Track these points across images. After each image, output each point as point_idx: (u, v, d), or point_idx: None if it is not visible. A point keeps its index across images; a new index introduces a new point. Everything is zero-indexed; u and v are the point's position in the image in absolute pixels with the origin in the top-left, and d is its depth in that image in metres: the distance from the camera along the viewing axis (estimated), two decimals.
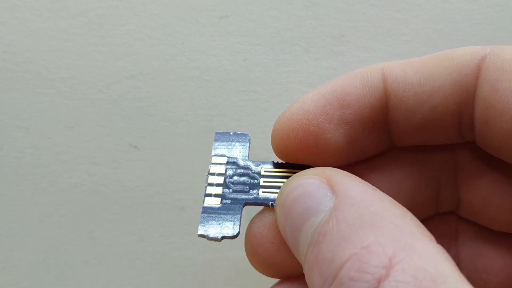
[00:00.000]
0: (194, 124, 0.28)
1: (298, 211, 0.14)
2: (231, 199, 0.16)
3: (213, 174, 0.16)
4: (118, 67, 0.28)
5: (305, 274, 0.13)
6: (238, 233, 0.15)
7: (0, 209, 0.28)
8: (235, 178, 0.16)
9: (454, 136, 0.16)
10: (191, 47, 0.28)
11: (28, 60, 0.28)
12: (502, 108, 0.14)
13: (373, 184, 0.14)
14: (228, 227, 0.15)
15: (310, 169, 0.15)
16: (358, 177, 0.14)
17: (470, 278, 0.11)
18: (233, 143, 0.17)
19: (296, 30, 0.28)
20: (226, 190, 0.16)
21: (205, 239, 0.15)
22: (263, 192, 0.16)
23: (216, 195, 0.16)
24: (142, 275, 0.29)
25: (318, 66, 0.28)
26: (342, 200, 0.13)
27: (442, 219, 0.19)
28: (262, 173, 0.16)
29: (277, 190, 0.16)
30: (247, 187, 0.16)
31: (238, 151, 0.17)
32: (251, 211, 0.16)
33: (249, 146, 0.17)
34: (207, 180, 0.16)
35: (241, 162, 0.17)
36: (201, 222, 0.15)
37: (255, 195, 0.16)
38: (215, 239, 0.15)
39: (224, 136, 0.17)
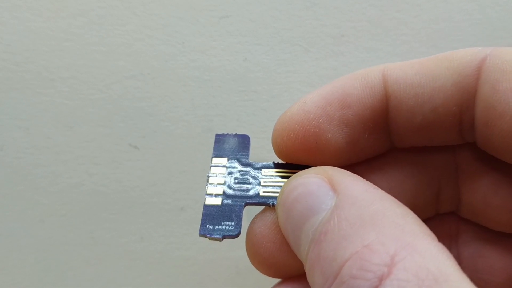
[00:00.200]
0: (194, 124, 0.28)
1: (299, 210, 0.14)
2: (232, 199, 0.16)
3: (214, 174, 0.16)
4: (118, 67, 0.28)
5: (307, 273, 0.13)
6: (239, 232, 0.15)
7: (0, 209, 0.28)
8: (236, 178, 0.16)
9: (455, 137, 0.16)
10: (191, 47, 0.28)
11: (28, 60, 0.28)
12: (503, 109, 0.14)
13: None
14: (230, 227, 0.15)
15: (311, 168, 0.15)
16: (359, 176, 0.14)
17: (470, 279, 0.11)
18: (234, 145, 0.17)
19: (296, 30, 0.28)
20: (227, 190, 0.16)
21: (206, 239, 0.15)
22: (264, 192, 0.16)
23: (217, 195, 0.16)
24: (142, 275, 0.29)
25: (318, 66, 0.28)
26: (343, 199, 0.13)
27: (443, 219, 0.19)
28: (263, 173, 0.16)
29: (278, 190, 0.16)
30: (248, 187, 0.16)
31: (238, 152, 0.17)
32: (252, 211, 0.16)
33: (249, 147, 0.17)
34: (208, 181, 0.16)
35: (241, 163, 0.17)
36: (202, 222, 0.15)
37: (256, 195, 0.16)
38: (216, 239, 0.15)
39: (224, 138, 0.17)
